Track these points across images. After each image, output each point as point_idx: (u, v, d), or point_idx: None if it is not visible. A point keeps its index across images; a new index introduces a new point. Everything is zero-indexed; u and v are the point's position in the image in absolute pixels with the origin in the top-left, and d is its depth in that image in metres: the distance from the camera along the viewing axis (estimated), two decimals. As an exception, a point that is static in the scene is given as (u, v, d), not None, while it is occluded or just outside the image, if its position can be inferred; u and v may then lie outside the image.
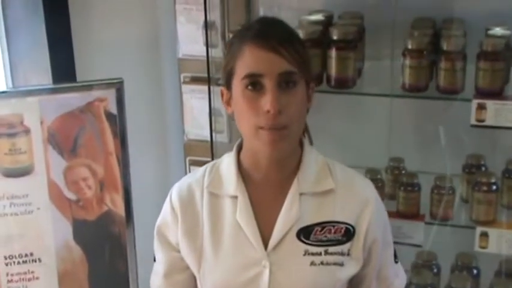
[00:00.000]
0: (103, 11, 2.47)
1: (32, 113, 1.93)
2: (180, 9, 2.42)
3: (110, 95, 1.98)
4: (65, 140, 1.97)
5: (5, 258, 1.99)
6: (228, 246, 1.54)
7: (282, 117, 1.44)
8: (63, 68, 2.30)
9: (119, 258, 2.08)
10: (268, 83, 1.44)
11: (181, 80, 2.54)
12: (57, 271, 2.04)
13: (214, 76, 2.31)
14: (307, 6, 2.38)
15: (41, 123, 1.95)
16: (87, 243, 2.05)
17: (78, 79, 2.32)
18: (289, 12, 2.36)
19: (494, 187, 2.17)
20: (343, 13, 2.33)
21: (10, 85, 2.33)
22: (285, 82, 1.45)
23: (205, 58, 2.30)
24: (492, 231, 2.17)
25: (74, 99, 1.96)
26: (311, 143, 1.65)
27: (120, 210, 2.05)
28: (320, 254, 1.52)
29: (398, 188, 2.27)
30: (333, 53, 2.18)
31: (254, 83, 1.45)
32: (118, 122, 1.99)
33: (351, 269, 1.56)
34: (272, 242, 1.52)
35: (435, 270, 2.32)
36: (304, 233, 1.52)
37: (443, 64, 2.11)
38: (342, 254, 1.54)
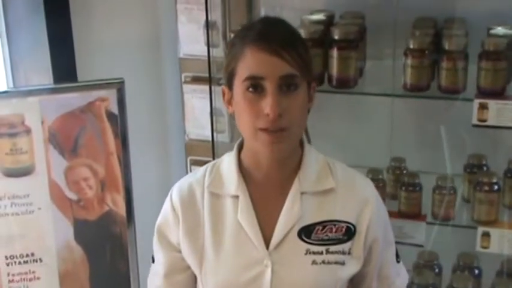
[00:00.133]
0: (104, 11, 2.47)
1: (32, 113, 1.93)
2: (181, 8, 2.42)
3: (111, 94, 1.97)
4: (65, 140, 1.97)
5: (6, 258, 1.99)
6: (230, 246, 1.54)
7: (282, 120, 1.44)
8: (64, 68, 2.30)
9: (120, 258, 2.08)
10: (269, 86, 1.44)
11: (183, 80, 2.53)
12: (58, 271, 2.03)
13: (215, 76, 2.31)
14: (309, 5, 2.38)
15: (42, 123, 1.94)
16: (88, 243, 2.04)
17: (79, 79, 2.32)
18: (290, 12, 2.36)
19: (496, 187, 2.17)
20: (344, 13, 2.33)
21: (11, 85, 2.33)
22: (286, 85, 1.45)
23: (207, 58, 2.29)
24: (494, 231, 2.17)
25: (74, 99, 1.96)
26: (309, 141, 1.64)
27: (121, 210, 2.05)
28: (321, 253, 1.52)
29: (400, 188, 2.27)
30: (335, 52, 2.17)
31: (255, 85, 1.45)
32: (119, 122, 1.99)
33: (351, 267, 1.56)
34: (274, 241, 1.52)
35: (437, 270, 2.32)
36: (306, 232, 1.52)
37: (445, 64, 2.10)
38: (343, 252, 1.54)
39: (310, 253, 1.52)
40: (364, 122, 2.43)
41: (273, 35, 1.46)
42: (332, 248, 1.52)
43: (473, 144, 2.28)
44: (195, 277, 1.61)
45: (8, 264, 2.00)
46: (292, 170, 1.55)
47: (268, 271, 1.50)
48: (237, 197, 1.55)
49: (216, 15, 2.35)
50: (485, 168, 2.25)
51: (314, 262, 1.51)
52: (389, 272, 1.64)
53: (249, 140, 1.51)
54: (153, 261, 1.68)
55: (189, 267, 1.60)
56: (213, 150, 2.37)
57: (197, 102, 2.49)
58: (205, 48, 2.30)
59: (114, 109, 1.98)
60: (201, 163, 2.34)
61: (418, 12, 2.25)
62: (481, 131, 2.13)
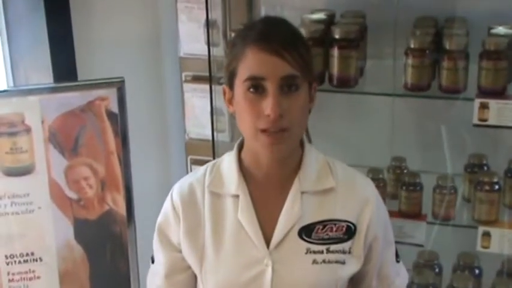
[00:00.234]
0: (104, 10, 2.47)
1: (33, 112, 1.93)
2: (181, 7, 2.42)
3: (111, 94, 1.97)
4: (66, 139, 1.97)
5: (6, 257, 1.99)
6: (230, 246, 1.54)
7: (283, 120, 1.44)
8: (64, 67, 2.30)
9: (120, 257, 2.08)
10: (270, 87, 1.43)
11: (183, 79, 2.53)
12: (58, 270, 2.03)
13: (215, 75, 2.30)
14: (309, 5, 2.38)
15: (42, 122, 1.94)
16: (88, 242, 2.04)
17: (79, 78, 2.32)
18: (291, 11, 2.36)
19: (496, 187, 2.17)
20: (345, 12, 2.33)
21: (11, 84, 2.33)
22: (287, 85, 1.44)
23: (207, 57, 2.29)
24: (494, 231, 2.17)
25: (75, 98, 1.96)
26: (309, 141, 1.64)
27: (122, 209, 2.04)
28: (322, 252, 1.52)
29: (400, 188, 2.27)
30: (335, 52, 2.17)
31: (256, 85, 1.44)
32: (119, 121, 1.99)
33: (352, 267, 1.55)
34: (274, 240, 1.51)
35: (437, 270, 2.32)
36: (306, 232, 1.52)
37: (445, 63, 2.10)
38: (343, 252, 1.53)
39: (310, 252, 1.51)
40: (365, 122, 2.43)
41: (274, 35, 1.46)
42: (332, 247, 1.52)
43: (473, 143, 2.28)
44: (196, 277, 1.61)
45: (8, 264, 2.00)
46: (293, 170, 1.55)
47: (269, 270, 1.50)
48: (237, 196, 1.54)
49: (217, 14, 2.35)
50: (485, 168, 2.25)
51: (314, 261, 1.51)
52: (389, 272, 1.64)
53: (250, 140, 1.51)
54: (153, 261, 1.68)
55: (189, 267, 1.60)
56: (213, 150, 2.37)
57: (197, 102, 2.49)
58: (206, 47, 2.30)
59: (114, 108, 1.98)
60: (201, 162, 2.34)
61: (419, 11, 2.25)
62: (481, 131, 2.13)
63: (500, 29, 2.13)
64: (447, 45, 2.10)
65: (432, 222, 2.26)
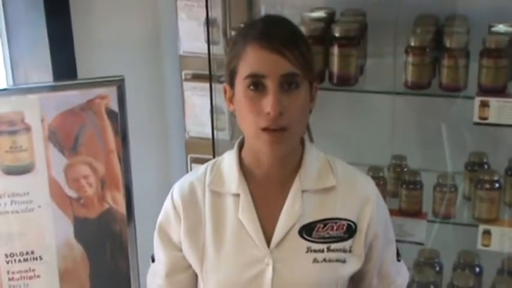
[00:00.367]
0: (104, 8, 2.46)
1: (32, 111, 1.93)
2: (181, 5, 2.41)
3: (111, 92, 1.97)
4: (65, 137, 1.97)
5: (6, 256, 1.99)
6: (231, 245, 1.53)
7: (283, 118, 1.43)
8: (64, 66, 2.30)
9: (120, 256, 2.07)
10: (270, 84, 1.43)
11: (183, 77, 2.53)
12: (58, 269, 2.03)
13: (215, 73, 2.30)
14: (309, 3, 2.38)
15: (42, 120, 1.94)
16: (88, 241, 2.04)
17: (79, 76, 2.32)
18: (291, 9, 2.36)
19: (496, 185, 2.16)
20: (345, 10, 2.32)
21: (11, 82, 2.33)
22: (287, 83, 1.44)
23: (207, 55, 2.29)
24: (495, 229, 2.17)
25: (74, 97, 1.96)
26: (311, 140, 1.64)
27: (121, 208, 2.04)
28: (322, 251, 1.52)
29: (401, 186, 2.26)
30: (335, 50, 2.17)
31: (256, 83, 1.44)
32: (119, 120, 1.98)
33: (352, 265, 1.55)
34: (275, 239, 1.51)
35: (437, 268, 2.31)
36: (307, 230, 1.52)
37: (446, 61, 2.10)
38: (344, 250, 1.53)
39: (311, 251, 1.51)
40: (365, 120, 2.43)
41: (275, 33, 1.45)
42: (333, 246, 1.52)
43: (474, 142, 2.28)
44: (196, 276, 1.61)
45: (8, 262, 1.99)
46: (293, 168, 1.55)
47: (269, 269, 1.50)
48: (237, 195, 1.54)
49: (217, 13, 2.35)
50: (486, 166, 2.25)
51: (315, 260, 1.51)
52: (390, 270, 1.64)
53: (250, 139, 1.51)
54: (153, 260, 1.68)
55: (190, 266, 1.60)
56: (213, 148, 2.37)
57: (197, 100, 2.49)
58: (206, 45, 2.30)
59: (114, 107, 1.98)
60: (201, 161, 2.34)
61: (419, 9, 2.24)
62: (482, 129, 2.13)
63: (501, 27, 2.13)
64: (447, 43, 2.09)
65: (432, 220, 2.26)
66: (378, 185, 1.66)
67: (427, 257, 2.32)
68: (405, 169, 2.33)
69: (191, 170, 2.51)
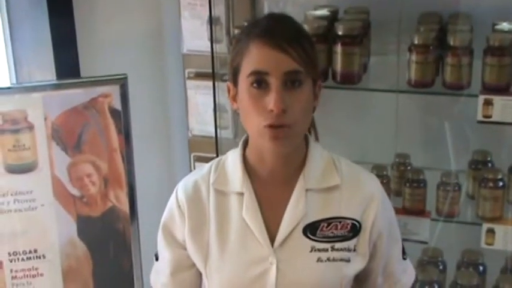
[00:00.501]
0: (107, 7, 2.46)
1: (35, 109, 1.93)
2: (184, 4, 2.41)
3: (114, 90, 1.97)
4: (68, 136, 1.97)
5: (9, 254, 1.99)
6: (235, 244, 1.53)
7: (286, 116, 1.43)
8: (67, 64, 2.30)
9: (123, 254, 2.07)
10: (273, 82, 1.43)
11: (186, 76, 2.53)
12: (62, 268, 2.03)
13: (218, 72, 2.30)
14: (313, 1, 2.37)
15: (45, 119, 1.94)
16: (92, 239, 2.04)
17: (82, 75, 2.31)
18: (294, 7, 2.36)
19: (500, 183, 2.16)
20: (348, 8, 2.32)
21: (14, 81, 2.32)
22: (290, 81, 1.44)
23: (210, 54, 2.29)
24: (498, 228, 2.16)
25: (77, 95, 1.96)
26: (317, 139, 1.64)
27: (125, 206, 2.04)
28: (327, 250, 1.51)
29: (404, 184, 2.26)
30: (339, 48, 2.16)
31: (259, 81, 1.44)
32: (122, 118, 1.98)
33: (357, 264, 1.55)
34: (279, 238, 1.51)
35: (441, 267, 2.31)
36: (311, 229, 1.52)
37: (449, 59, 2.10)
38: (348, 250, 1.53)
39: (315, 250, 1.51)
40: (369, 118, 2.43)
41: (278, 30, 1.45)
42: (337, 245, 1.52)
43: (477, 140, 2.27)
44: (201, 274, 1.60)
45: (11, 261, 1.99)
46: (297, 167, 1.54)
47: (273, 268, 1.50)
48: (242, 194, 1.54)
49: (220, 11, 2.35)
50: (489, 165, 2.24)
51: (319, 259, 1.51)
52: (395, 269, 1.64)
53: (254, 137, 1.51)
54: (157, 259, 1.68)
55: (194, 265, 1.60)
56: (217, 147, 2.37)
57: (200, 98, 2.49)
58: (209, 44, 2.30)
59: (117, 105, 1.98)
60: (204, 159, 2.34)
61: (423, 7, 2.24)
62: (485, 127, 2.12)
63: (505, 25, 2.12)
64: (451, 42, 2.09)
65: (436, 219, 2.26)
66: (381, 183, 1.65)
67: (430, 255, 2.32)
68: (409, 167, 2.33)
69: (194, 168, 2.51)
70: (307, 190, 1.53)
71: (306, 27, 2.05)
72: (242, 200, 1.54)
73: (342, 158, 1.61)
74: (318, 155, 1.57)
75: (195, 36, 2.42)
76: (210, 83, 2.33)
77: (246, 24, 1.59)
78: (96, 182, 2.01)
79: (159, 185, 2.50)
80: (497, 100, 2.05)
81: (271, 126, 1.44)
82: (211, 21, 2.28)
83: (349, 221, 1.53)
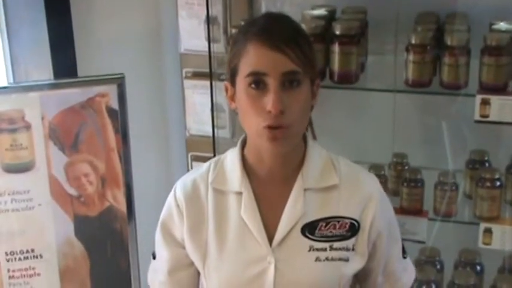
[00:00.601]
0: (104, 6, 2.46)
1: (32, 109, 1.93)
2: (181, 3, 2.41)
3: (111, 90, 1.97)
4: (66, 135, 1.97)
5: (6, 254, 1.99)
6: (233, 243, 1.53)
7: (285, 117, 1.43)
8: (64, 64, 2.30)
9: (121, 254, 2.07)
10: (271, 82, 1.43)
11: (183, 75, 2.53)
12: (59, 267, 2.03)
13: (216, 71, 2.30)
14: (310, 0, 2.38)
15: (42, 118, 1.94)
16: (89, 239, 2.04)
17: (79, 74, 2.31)
18: (291, 7, 2.35)
19: (498, 183, 2.16)
20: (346, 8, 2.32)
21: (11, 80, 2.32)
22: (288, 81, 1.44)
23: (207, 53, 2.29)
24: (496, 228, 2.17)
25: (75, 95, 1.96)
26: (314, 138, 1.64)
27: (122, 206, 2.04)
28: (325, 249, 1.51)
29: (402, 184, 2.26)
30: (336, 48, 2.17)
31: (257, 81, 1.44)
32: (119, 118, 1.98)
33: (355, 264, 1.55)
34: (277, 238, 1.51)
35: (438, 267, 2.31)
36: (309, 229, 1.51)
37: (447, 59, 2.10)
38: (346, 249, 1.53)
39: (313, 250, 1.51)
40: (366, 118, 2.43)
41: (276, 30, 1.45)
42: (336, 245, 1.51)
43: (475, 140, 2.28)
44: (199, 273, 1.60)
45: (8, 261, 1.99)
46: (296, 167, 1.54)
47: (272, 268, 1.50)
48: (240, 193, 1.54)
49: (217, 10, 2.35)
50: (487, 164, 2.24)
51: (318, 259, 1.50)
52: (395, 268, 1.64)
53: (252, 137, 1.50)
54: (154, 257, 1.68)
55: (192, 264, 1.60)
56: (214, 146, 2.37)
57: (198, 98, 2.49)
58: (206, 43, 2.30)
59: (115, 105, 1.98)
60: (202, 159, 2.34)
61: (420, 7, 2.24)
62: (483, 127, 2.13)
63: (502, 25, 2.13)
64: (448, 41, 2.09)
65: (433, 218, 2.26)
66: (378, 182, 1.66)
67: (428, 255, 2.32)
68: (406, 167, 2.33)
69: (192, 168, 2.51)
70: (305, 190, 1.52)
71: (303, 26, 2.05)
72: (241, 199, 1.53)
73: (341, 158, 1.60)
74: (316, 154, 1.57)
75: (193, 36, 2.41)
76: (208, 83, 2.33)
77: (243, 23, 1.58)
78: (94, 182, 2.01)
79: (156, 185, 2.50)
80: (495, 100, 2.05)
81: (269, 127, 1.43)
82: (209, 20, 2.28)
83: (347, 221, 1.53)
